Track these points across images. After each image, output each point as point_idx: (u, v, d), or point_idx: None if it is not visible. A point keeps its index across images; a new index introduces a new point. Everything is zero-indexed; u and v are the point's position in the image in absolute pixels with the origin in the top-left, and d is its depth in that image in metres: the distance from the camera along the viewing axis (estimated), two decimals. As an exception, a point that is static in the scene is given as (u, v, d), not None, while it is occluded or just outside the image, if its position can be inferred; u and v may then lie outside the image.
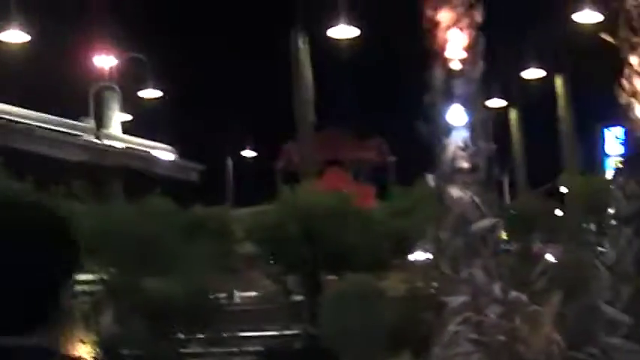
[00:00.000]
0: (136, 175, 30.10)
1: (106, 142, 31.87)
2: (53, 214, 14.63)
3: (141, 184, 27.69)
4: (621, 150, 14.34)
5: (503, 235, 12.90)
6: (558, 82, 41.43)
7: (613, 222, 12.86)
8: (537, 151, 42.70)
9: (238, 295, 27.06)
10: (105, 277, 15.93)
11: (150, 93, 36.95)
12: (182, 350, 17.72)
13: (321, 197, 19.30)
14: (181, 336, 18.03)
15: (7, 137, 24.69)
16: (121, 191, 29.29)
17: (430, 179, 12.84)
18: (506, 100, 41.62)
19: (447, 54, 12.51)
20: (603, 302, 11.85)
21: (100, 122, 33.03)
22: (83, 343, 15.07)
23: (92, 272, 16.37)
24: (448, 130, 12.37)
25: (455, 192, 12.16)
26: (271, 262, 23.43)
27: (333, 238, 18.25)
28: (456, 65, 12.45)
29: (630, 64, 12.83)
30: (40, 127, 27.66)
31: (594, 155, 51.77)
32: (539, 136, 42.81)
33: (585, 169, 39.85)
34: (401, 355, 12.52)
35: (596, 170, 37.63)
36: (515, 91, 42.84)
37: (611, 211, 13.04)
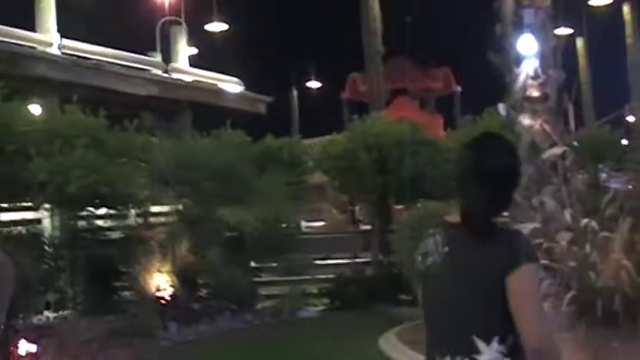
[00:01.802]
0: (204, 107, 30.33)
1: (174, 75, 32.10)
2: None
3: (209, 117, 27.99)
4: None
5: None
6: (625, 9, 40.95)
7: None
8: (605, 80, 42.27)
9: (305, 224, 27.44)
10: (180, 207, 16.23)
11: (216, 26, 37.22)
12: (256, 279, 18.12)
13: (390, 126, 19.41)
14: (254, 265, 18.44)
15: (78, 73, 25.02)
16: (190, 124, 29.64)
17: (501, 108, 13.00)
18: (573, 29, 41.17)
19: (517, -16, 12.60)
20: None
21: (168, 56, 33.24)
22: (160, 272, 15.43)
23: (168, 203, 16.70)
24: (518, 59, 12.49)
25: (525, 120, 12.32)
26: (341, 191, 23.71)
27: (403, 167, 18.40)
28: (526, -6, 12.54)
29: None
30: (109, 62, 27.93)
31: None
32: (606, 65, 42.37)
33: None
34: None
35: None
36: (583, 19, 42.41)
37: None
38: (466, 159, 3.96)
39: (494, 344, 3.72)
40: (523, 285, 3.70)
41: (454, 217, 3.94)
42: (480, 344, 3.73)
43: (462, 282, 3.80)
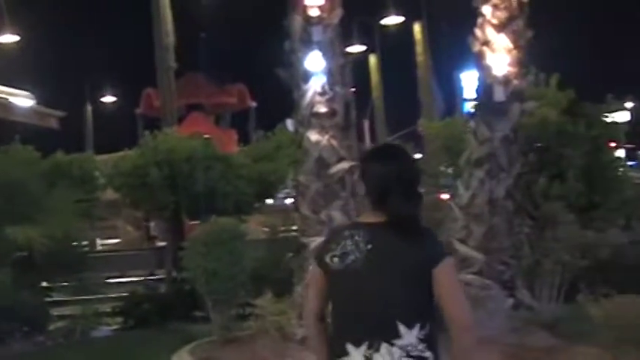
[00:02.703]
0: (-8, 122, 29.48)
1: (-38, 89, 31.11)
2: None
3: (-1, 132, 27.24)
4: (475, 96, 14.80)
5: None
6: (416, 28, 42.05)
7: (466, 164, 13.36)
8: (397, 96, 43.37)
9: (100, 242, 27.05)
10: (-35, 226, 15.67)
11: (6, 38, 36.27)
12: (47, 299, 17.70)
13: (182, 142, 19.34)
14: (45, 284, 18.01)
15: None
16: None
17: (289, 124, 13.15)
18: (366, 46, 42.04)
19: (306, 1, 12.76)
20: (457, 240, 12.38)
21: (-45, 68, 32.20)
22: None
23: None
24: (307, 75, 12.65)
25: (313, 136, 12.48)
26: (134, 208, 23.45)
27: (195, 182, 18.37)
28: (314, 12, 12.70)
29: (483, 14, 13.30)
30: None
31: (453, 100, 52.75)
32: (398, 82, 43.48)
33: (445, 113, 40.62)
34: (263, 295, 12.80)
35: (456, 115, 38.29)
36: (375, 37, 43.35)
37: (465, 154, 13.53)
38: (388, 168, 4.37)
39: (415, 330, 4.16)
40: (451, 274, 4.28)
41: (373, 218, 4.35)
42: (402, 329, 4.15)
43: (388, 275, 4.21)
